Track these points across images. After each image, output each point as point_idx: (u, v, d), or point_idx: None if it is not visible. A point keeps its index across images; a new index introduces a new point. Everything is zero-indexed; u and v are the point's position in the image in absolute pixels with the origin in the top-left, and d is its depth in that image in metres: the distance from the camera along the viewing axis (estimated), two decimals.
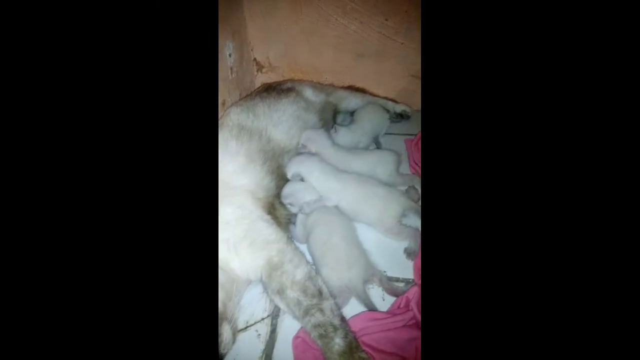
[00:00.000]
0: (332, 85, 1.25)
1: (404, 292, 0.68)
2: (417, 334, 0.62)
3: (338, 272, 0.68)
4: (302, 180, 0.86)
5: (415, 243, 0.77)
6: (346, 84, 1.29)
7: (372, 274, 0.71)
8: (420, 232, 0.78)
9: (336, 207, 0.83)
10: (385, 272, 0.74)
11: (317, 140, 0.95)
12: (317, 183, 0.85)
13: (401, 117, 1.23)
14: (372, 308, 0.67)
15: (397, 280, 0.74)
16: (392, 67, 1.22)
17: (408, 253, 0.77)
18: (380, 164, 0.93)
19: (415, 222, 0.82)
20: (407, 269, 0.75)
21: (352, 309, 0.67)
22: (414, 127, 1.18)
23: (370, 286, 0.72)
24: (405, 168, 1.01)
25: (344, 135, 1.04)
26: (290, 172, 0.87)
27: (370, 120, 1.09)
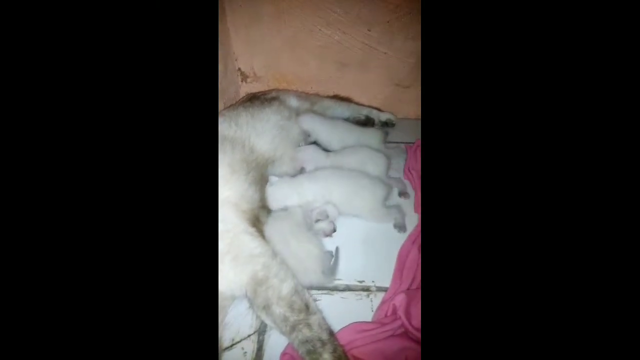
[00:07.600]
0: (317, 95, 1.26)
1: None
2: (406, 343, 0.62)
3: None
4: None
5: (401, 217, 0.86)
6: (331, 94, 1.29)
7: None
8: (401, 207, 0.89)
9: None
10: (374, 282, 0.75)
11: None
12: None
13: (386, 125, 1.24)
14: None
15: (380, 289, 0.74)
16: (376, 77, 1.23)
17: (399, 227, 0.85)
18: (371, 162, 0.95)
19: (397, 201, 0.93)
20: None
21: (341, 320, 0.65)
22: (413, 135, 1.18)
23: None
24: (396, 173, 1.03)
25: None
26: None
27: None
